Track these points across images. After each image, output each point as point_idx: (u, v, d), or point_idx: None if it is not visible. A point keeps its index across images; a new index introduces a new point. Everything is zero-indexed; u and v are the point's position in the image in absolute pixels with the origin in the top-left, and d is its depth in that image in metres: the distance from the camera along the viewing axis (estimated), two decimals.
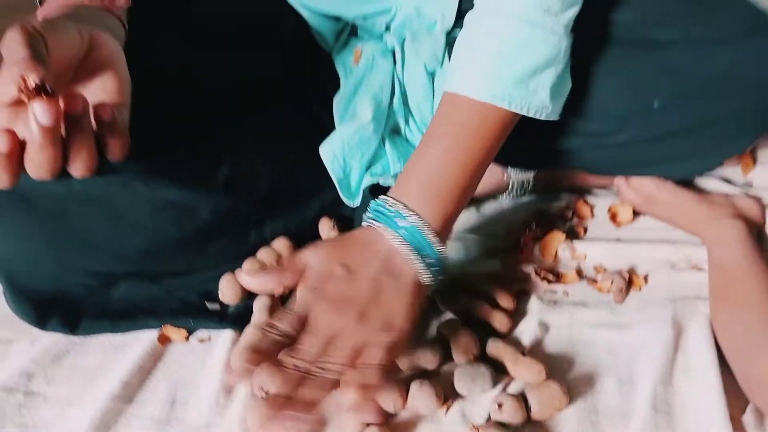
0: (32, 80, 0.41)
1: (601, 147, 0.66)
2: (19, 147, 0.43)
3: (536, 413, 0.54)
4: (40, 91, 0.42)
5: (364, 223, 0.53)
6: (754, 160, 0.80)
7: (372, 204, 0.53)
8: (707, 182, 0.76)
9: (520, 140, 0.63)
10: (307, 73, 0.71)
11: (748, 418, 0.54)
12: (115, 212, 0.57)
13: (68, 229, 0.56)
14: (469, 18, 0.58)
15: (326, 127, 0.67)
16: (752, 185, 0.77)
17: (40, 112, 0.41)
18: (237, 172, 0.62)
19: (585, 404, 0.55)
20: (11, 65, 0.42)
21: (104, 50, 0.49)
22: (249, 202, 0.63)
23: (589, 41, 0.62)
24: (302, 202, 0.66)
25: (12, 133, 0.43)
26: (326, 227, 0.67)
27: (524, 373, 0.56)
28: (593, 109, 0.63)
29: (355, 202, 0.66)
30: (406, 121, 0.69)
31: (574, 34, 0.57)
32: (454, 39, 0.60)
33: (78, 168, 0.45)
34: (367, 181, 0.65)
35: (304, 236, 0.65)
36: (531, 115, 0.55)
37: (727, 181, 0.77)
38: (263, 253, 0.64)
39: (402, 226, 0.51)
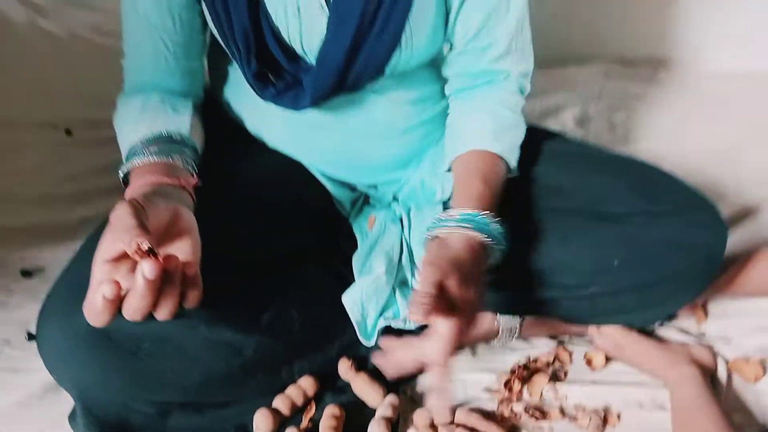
0: (144, 245, 0.55)
1: (573, 298, 0.80)
2: (119, 295, 0.56)
3: None
4: (148, 253, 0.55)
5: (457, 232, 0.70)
6: (706, 313, 0.93)
7: (461, 216, 0.71)
8: (667, 332, 0.89)
9: (507, 291, 0.78)
10: (331, 237, 0.85)
11: None
12: (179, 350, 0.68)
13: (139, 364, 0.66)
14: (459, 107, 0.84)
15: (347, 279, 0.80)
16: (705, 335, 0.90)
17: (147, 269, 0.54)
18: (276, 319, 0.74)
19: None
20: (122, 231, 0.56)
21: (183, 221, 0.63)
22: (284, 343, 0.74)
23: (561, 213, 0.79)
24: (326, 344, 0.78)
25: (117, 283, 0.55)
26: (344, 367, 0.78)
27: None
28: (565, 267, 0.78)
29: (371, 342, 0.77)
30: (413, 274, 0.82)
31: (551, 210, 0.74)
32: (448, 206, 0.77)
33: (163, 313, 0.57)
34: (381, 323, 0.78)
35: (326, 373, 0.76)
36: (512, 171, 0.81)
37: (684, 331, 0.90)
38: (291, 390, 0.75)
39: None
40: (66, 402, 0.73)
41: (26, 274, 0.91)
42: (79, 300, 0.58)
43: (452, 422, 0.76)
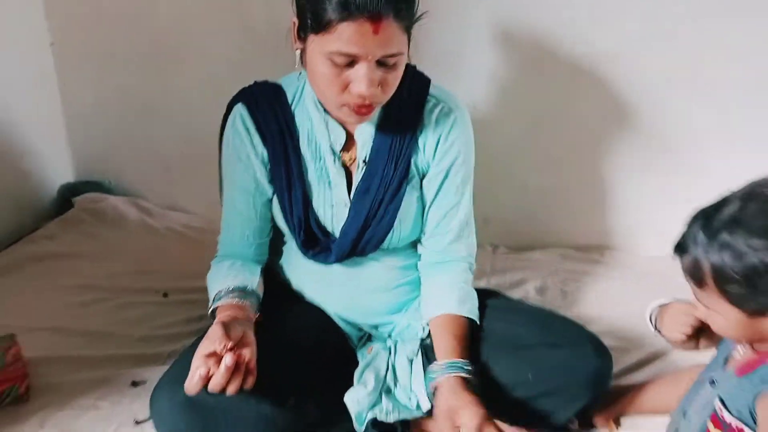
0: (229, 345, 0.98)
1: (509, 402, 1.16)
2: (208, 375, 0.97)
3: None
4: (229, 350, 0.97)
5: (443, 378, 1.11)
6: (618, 425, 1.26)
7: (448, 365, 1.11)
8: None
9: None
10: (342, 360, 1.25)
11: None
12: (237, 417, 1.05)
13: (212, 424, 1.04)
14: (429, 280, 1.26)
15: (349, 384, 1.19)
16: None
17: (228, 359, 0.97)
18: (299, 404, 1.11)
19: None
20: (214, 339, 1.00)
21: (248, 338, 1.06)
22: (303, 421, 1.11)
23: (495, 346, 1.19)
24: (331, 428, 1.15)
25: (208, 368, 0.97)
26: None
27: None
28: (498, 375, 1.16)
29: (362, 429, 1.14)
30: (394, 385, 1.20)
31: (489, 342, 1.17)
32: (425, 342, 1.17)
33: (232, 389, 0.99)
34: (370, 416, 1.14)
35: None
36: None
37: None
38: None
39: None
40: None
41: (134, 384, 1.32)
42: (180, 381, 1.00)
43: None
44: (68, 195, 2.01)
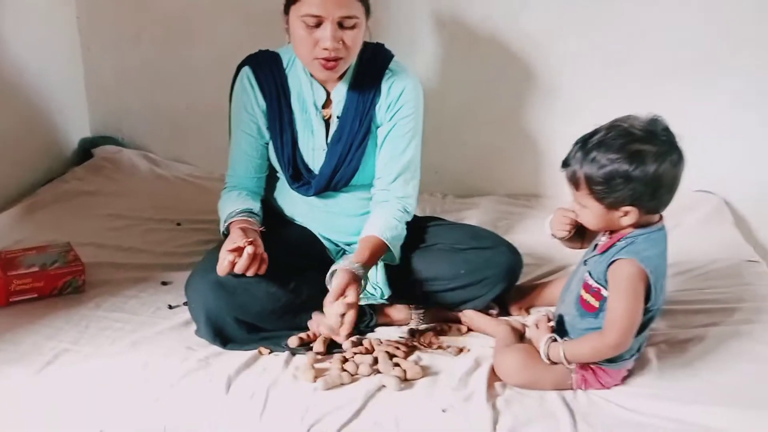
0: (249, 239, 1.40)
1: (444, 291, 1.59)
2: (234, 262, 1.39)
3: None
4: (250, 243, 1.39)
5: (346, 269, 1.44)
6: (528, 312, 1.69)
7: (351, 263, 1.46)
8: (504, 318, 1.66)
9: (412, 292, 1.59)
10: (324, 264, 1.67)
11: None
12: (252, 294, 1.46)
13: (234, 298, 1.44)
14: (373, 211, 1.63)
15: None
16: (525, 321, 1.66)
17: (249, 248, 1.39)
18: (297, 286, 1.52)
19: None
20: (236, 237, 1.45)
21: (258, 240, 1.48)
22: (298, 299, 1.52)
23: (435, 250, 1.62)
24: (317, 306, 1.55)
25: (234, 257, 1.39)
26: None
27: None
28: (438, 274, 1.59)
29: None
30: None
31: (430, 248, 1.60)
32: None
33: (251, 271, 1.41)
34: None
35: None
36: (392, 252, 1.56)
37: (515, 319, 1.67)
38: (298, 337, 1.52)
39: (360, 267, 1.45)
40: (191, 330, 1.51)
41: (164, 283, 1.72)
42: (210, 269, 1.42)
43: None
44: (87, 147, 2.39)
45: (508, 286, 1.63)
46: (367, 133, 1.62)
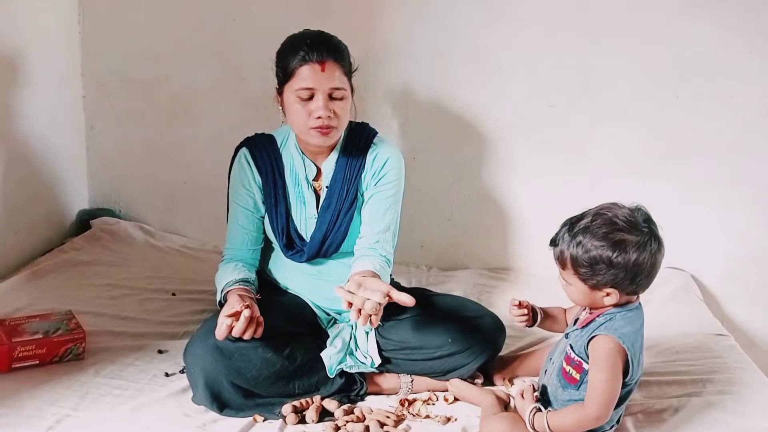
0: (245, 303, 1.48)
1: (430, 359, 1.67)
2: (231, 326, 1.46)
3: None
4: (246, 306, 1.47)
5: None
6: (512, 383, 1.77)
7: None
8: (489, 388, 1.74)
9: (400, 361, 1.67)
10: (317, 333, 1.74)
11: None
12: (248, 359, 1.53)
13: (230, 363, 1.51)
14: (362, 252, 1.69)
15: (324, 347, 1.67)
16: (509, 391, 1.74)
17: (246, 312, 1.47)
18: (291, 352, 1.59)
19: None
20: (234, 303, 1.52)
21: (254, 306, 1.56)
22: (293, 367, 1.59)
23: (421, 322, 1.70)
24: (312, 374, 1.62)
25: (231, 322, 1.47)
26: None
27: None
28: (425, 343, 1.67)
29: (332, 376, 1.63)
30: (356, 349, 1.70)
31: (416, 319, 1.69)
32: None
33: (248, 335, 1.48)
34: (338, 369, 1.63)
35: (310, 391, 1.61)
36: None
37: (498, 389, 1.75)
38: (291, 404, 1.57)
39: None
40: (188, 397, 1.56)
41: (160, 351, 1.77)
42: (209, 334, 1.50)
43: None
44: (86, 218, 2.47)
45: (492, 354, 1.72)
46: (354, 200, 1.73)
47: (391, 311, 1.72)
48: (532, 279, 2.34)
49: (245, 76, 2.37)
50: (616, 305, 1.43)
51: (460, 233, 2.44)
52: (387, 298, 1.41)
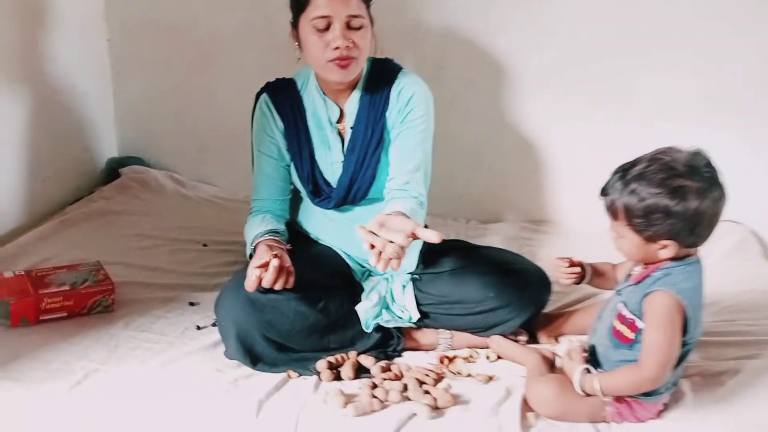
0: (273, 253, 1.41)
1: (471, 314, 1.58)
2: (261, 277, 1.39)
3: None
4: (274, 256, 1.40)
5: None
6: (557, 341, 1.68)
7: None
8: (533, 346, 1.65)
9: (439, 315, 1.58)
10: (352, 285, 1.67)
11: None
12: (281, 312, 1.47)
13: (263, 315, 1.45)
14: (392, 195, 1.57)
15: (359, 300, 1.60)
16: (555, 349, 1.64)
17: (274, 261, 1.40)
18: (324, 306, 1.52)
19: None
20: (263, 252, 1.45)
21: (285, 256, 1.49)
22: (326, 320, 1.52)
23: (461, 272, 1.61)
24: (346, 328, 1.55)
25: (261, 273, 1.40)
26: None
27: None
28: (465, 297, 1.58)
29: (369, 330, 1.56)
30: (392, 303, 1.62)
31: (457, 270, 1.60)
32: (413, 275, 1.61)
33: (279, 285, 1.42)
34: (374, 323, 1.56)
35: (345, 346, 1.55)
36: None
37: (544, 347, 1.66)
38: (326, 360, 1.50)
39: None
40: (220, 351, 1.50)
41: (192, 304, 1.72)
42: (240, 286, 1.43)
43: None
44: (115, 166, 2.41)
45: (537, 311, 1.63)
46: (381, 141, 1.63)
47: (429, 263, 1.66)
48: (574, 232, 2.22)
49: (273, 17, 2.24)
50: (672, 259, 1.32)
51: (500, 183, 2.32)
52: (410, 239, 1.28)
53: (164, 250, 1.97)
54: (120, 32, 2.37)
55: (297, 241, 1.69)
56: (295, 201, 1.76)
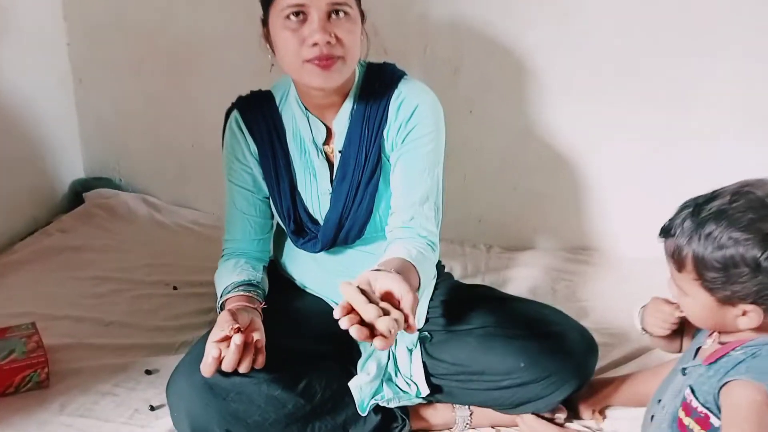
0: (235, 326, 1.07)
1: (497, 389, 1.24)
2: (220, 358, 1.06)
3: None
4: (237, 330, 1.06)
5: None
6: (603, 416, 1.35)
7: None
8: (573, 426, 1.31)
9: (456, 387, 1.24)
10: (346, 350, 1.33)
11: None
12: (249, 399, 1.14)
13: (226, 405, 1.13)
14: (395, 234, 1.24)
15: (353, 373, 1.27)
16: (602, 430, 1.31)
17: (237, 338, 1.06)
18: (309, 385, 1.20)
19: None
20: (224, 323, 1.10)
21: (256, 324, 1.16)
22: (311, 405, 1.20)
23: (485, 336, 1.27)
24: (336, 413, 1.23)
25: (220, 350, 1.07)
26: None
27: None
28: (489, 367, 1.24)
29: (364, 414, 1.22)
30: (395, 374, 1.29)
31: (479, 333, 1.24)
32: (423, 334, 1.26)
33: (244, 367, 1.08)
34: (371, 403, 1.23)
35: None
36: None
37: (587, 427, 1.32)
38: None
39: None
40: None
41: (148, 372, 1.40)
42: (197, 365, 1.10)
43: None
44: (80, 190, 2.10)
45: (580, 385, 1.28)
46: (377, 166, 1.30)
47: (442, 320, 1.32)
48: (620, 262, 1.87)
49: (258, 15, 1.91)
50: (757, 330, 0.99)
51: (527, 204, 1.97)
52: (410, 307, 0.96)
53: (125, 297, 1.66)
54: (82, 34, 2.06)
55: (279, 288, 1.37)
56: (279, 237, 1.44)
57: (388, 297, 0.98)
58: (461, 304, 1.35)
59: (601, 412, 1.34)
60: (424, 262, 1.18)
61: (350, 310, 0.94)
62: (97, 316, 1.57)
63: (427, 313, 1.35)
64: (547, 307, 1.39)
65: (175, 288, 1.72)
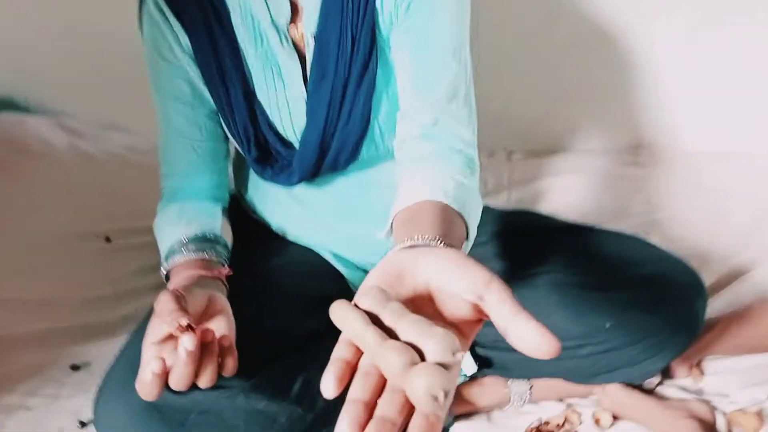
0: (183, 322, 0.66)
1: (572, 358, 0.88)
2: (166, 370, 0.66)
3: None
4: (186, 328, 0.66)
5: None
6: (702, 372, 1.00)
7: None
8: (667, 390, 0.96)
9: (514, 356, 0.86)
10: None
11: None
12: (221, 420, 0.76)
13: None
14: (408, 168, 0.79)
15: None
16: (703, 392, 0.97)
17: (187, 341, 0.65)
18: (304, 390, 0.82)
19: None
20: (165, 315, 0.67)
21: (218, 304, 0.76)
22: (311, 413, 0.82)
23: (555, 285, 0.88)
24: None
25: (163, 360, 0.66)
26: None
27: None
28: (558, 330, 0.86)
29: None
30: None
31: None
32: None
33: (205, 380, 0.68)
34: None
35: None
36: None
37: (683, 389, 0.97)
38: None
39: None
40: None
41: (75, 368, 1.01)
42: (134, 379, 0.68)
43: None
44: None
45: (687, 345, 0.92)
46: (371, 53, 0.84)
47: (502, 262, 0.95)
48: (676, 158, 1.50)
49: None
50: None
51: (556, 99, 1.55)
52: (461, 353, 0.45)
53: (43, 261, 1.23)
54: None
55: (248, 239, 0.96)
56: (242, 166, 1.01)
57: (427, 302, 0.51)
58: (512, 240, 0.96)
59: (698, 365, 1.00)
60: (469, 201, 0.73)
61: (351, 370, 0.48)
62: (8, 295, 1.14)
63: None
64: (630, 238, 0.99)
65: (108, 240, 1.30)
